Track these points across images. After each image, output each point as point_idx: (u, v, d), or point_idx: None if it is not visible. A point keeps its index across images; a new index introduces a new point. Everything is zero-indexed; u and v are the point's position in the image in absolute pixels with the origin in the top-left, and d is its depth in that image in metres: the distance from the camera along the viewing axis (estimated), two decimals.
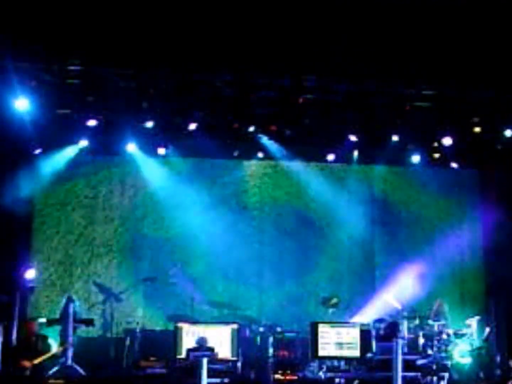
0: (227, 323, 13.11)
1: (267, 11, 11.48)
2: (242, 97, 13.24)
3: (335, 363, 12.80)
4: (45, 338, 12.45)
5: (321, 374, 12.51)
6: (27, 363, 11.67)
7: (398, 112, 13.66)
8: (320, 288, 14.86)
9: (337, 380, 12.14)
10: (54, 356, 12.20)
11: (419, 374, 11.31)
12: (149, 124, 13.68)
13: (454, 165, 15.46)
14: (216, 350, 11.76)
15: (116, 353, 13.43)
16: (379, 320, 13.35)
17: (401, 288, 14.56)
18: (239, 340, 12.66)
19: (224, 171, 15.28)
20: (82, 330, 13.54)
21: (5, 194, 12.97)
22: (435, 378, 12.21)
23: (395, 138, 14.21)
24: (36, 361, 11.78)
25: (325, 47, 11.88)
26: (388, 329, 12.12)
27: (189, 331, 12.44)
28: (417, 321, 13.61)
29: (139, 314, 14.21)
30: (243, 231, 15.34)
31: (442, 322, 13.51)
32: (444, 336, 13.29)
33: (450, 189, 15.61)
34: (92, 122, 13.40)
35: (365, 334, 12.72)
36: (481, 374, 13.28)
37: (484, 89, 13.11)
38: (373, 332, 13.00)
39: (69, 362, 12.61)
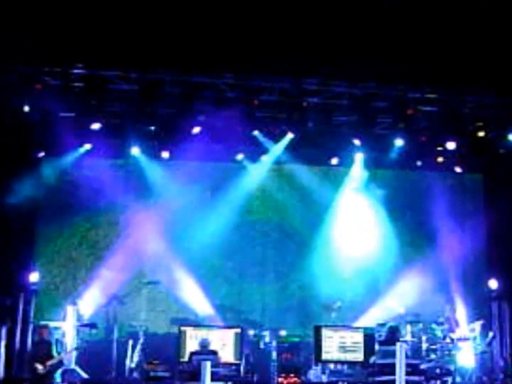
0: (230, 326, 13.13)
1: (271, 14, 11.50)
2: (245, 101, 13.25)
3: (338, 366, 12.81)
4: (57, 342, 12.50)
5: (324, 377, 12.52)
6: (40, 367, 11.73)
7: (401, 116, 13.67)
8: (324, 292, 14.84)
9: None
10: (61, 361, 12.23)
11: (422, 378, 11.31)
12: (153, 127, 13.70)
13: (457, 169, 15.48)
14: (219, 354, 11.81)
15: (119, 356, 13.42)
16: (382, 325, 13.36)
17: (405, 292, 14.56)
18: (242, 344, 12.68)
19: (227, 174, 15.26)
20: (85, 333, 13.56)
21: (8, 196, 12.99)
22: (438, 382, 12.23)
23: (399, 142, 14.21)
24: (48, 364, 11.83)
25: (329, 51, 11.88)
26: (389, 333, 12.12)
27: (192, 335, 12.46)
28: (420, 325, 13.59)
29: (142, 317, 14.23)
30: (247, 234, 15.33)
31: (450, 326, 13.51)
32: (448, 340, 13.28)
33: (454, 193, 15.58)
34: (95, 126, 13.42)
35: (368, 338, 12.72)
36: (484, 378, 13.27)
37: (487, 94, 13.13)
38: (376, 336, 13.00)
39: (72, 365, 12.65)
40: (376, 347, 12.63)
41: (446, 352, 13.15)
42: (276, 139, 14.47)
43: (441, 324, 13.58)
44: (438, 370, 12.49)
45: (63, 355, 12.27)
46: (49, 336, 12.45)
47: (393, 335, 12.02)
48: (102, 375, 13.16)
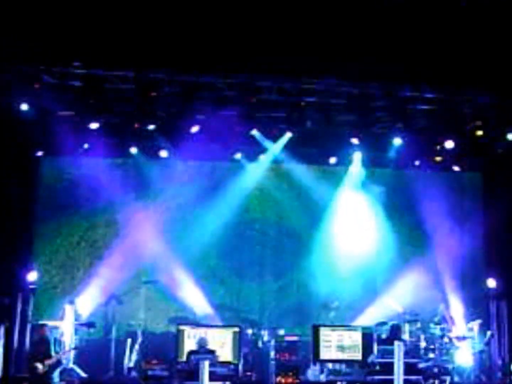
0: (228, 326, 13.13)
1: (270, 14, 11.49)
2: (244, 100, 13.25)
3: (337, 366, 12.81)
4: (55, 342, 12.51)
5: (322, 377, 12.52)
6: (40, 366, 11.74)
7: (400, 115, 13.68)
8: (322, 291, 14.85)
9: (338, 383, 12.18)
10: (59, 360, 12.23)
11: (421, 377, 11.33)
12: (151, 126, 13.70)
13: (456, 168, 15.49)
14: (217, 353, 11.82)
15: (117, 355, 13.44)
16: (381, 324, 13.38)
17: (403, 291, 14.57)
18: (241, 343, 12.68)
19: (226, 173, 15.26)
20: (84, 332, 13.57)
21: (6, 196, 12.98)
22: (436, 382, 12.23)
23: (397, 141, 14.22)
24: (47, 363, 11.83)
25: (328, 50, 11.88)
26: (391, 332, 12.12)
27: (190, 334, 12.47)
28: (418, 325, 13.59)
29: (141, 317, 14.21)
30: (245, 233, 15.34)
31: (448, 326, 13.51)
32: (446, 340, 13.29)
33: (452, 192, 15.56)
34: (94, 125, 13.42)
35: (366, 337, 12.73)
36: (483, 378, 13.29)
37: (486, 93, 13.13)
38: (375, 335, 13.00)
39: (70, 364, 12.65)
40: (375, 346, 12.69)
41: (445, 351, 13.17)
42: (274, 138, 14.48)
43: (439, 323, 13.58)
44: (436, 369, 12.50)
45: (61, 354, 12.27)
46: (49, 334, 12.47)
47: (395, 333, 12.04)
48: (100, 374, 13.18)
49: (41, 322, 12.97)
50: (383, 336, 12.70)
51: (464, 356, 13.26)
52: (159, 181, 14.91)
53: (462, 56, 11.96)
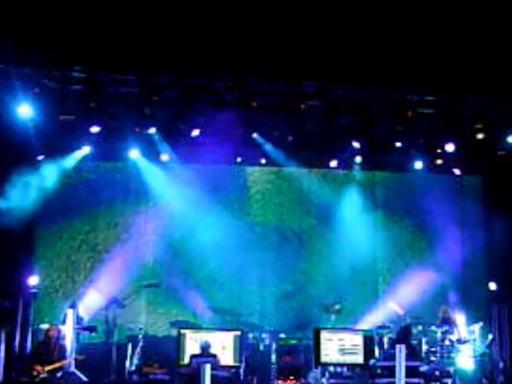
0: (230, 329, 13.12)
1: (269, 17, 11.48)
2: (244, 103, 13.24)
3: (338, 369, 12.80)
4: (62, 346, 12.50)
5: (324, 380, 12.51)
6: (40, 369, 11.71)
7: (400, 118, 13.67)
8: (323, 294, 14.86)
9: None
10: (61, 366, 12.21)
11: (422, 380, 11.31)
12: (152, 130, 13.71)
13: (456, 171, 15.47)
14: (219, 357, 11.81)
15: (119, 359, 13.42)
16: (382, 327, 13.38)
17: (404, 294, 14.56)
18: (242, 347, 12.67)
19: (227, 177, 15.27)
20: (85, 336, 13.57)
21: (8, 199, 12.98)
22: None
23: (397, 144, 14.22)
24: (47, 368, 11.80)
25: (328, 53, 11.87)
26: (401, 333, 12.10)
27: (192, 338, 12.46)
28: (420, 328, 13.59)
29: (142, 320, 14.22)
30: (246, 237, 15.32)
31: (449, 328, 13.49)
32: (447, 342, 13.28)
33: (453, 195, 15.58)
34: (94, 128, 13.44)
35: (368, 341, 12.71)
36: (484, 381, 13.27)
37: (486, 95, 13.12)
38: (376, 338, 13.00)
39: (72, 368, 12.64)
40: (376, 349, 12.69)
41: (446, 354, 13.14)
42: (275, 141, 14.47)
43: (441, 326, 13.57)
44: (437, 372, 12.48)
45: (63, 361, 12.22)
46: (57, 336, 12.43)
47: (405, 335, 12.00)
48: (101, 378, 13.17)
49: (47, 324, 12.98)
50: (386, 337, 12.73)
51: (466, 359, 13.24)
52: (160, 185, 14.92)
53: (463, 58, 11.95)
